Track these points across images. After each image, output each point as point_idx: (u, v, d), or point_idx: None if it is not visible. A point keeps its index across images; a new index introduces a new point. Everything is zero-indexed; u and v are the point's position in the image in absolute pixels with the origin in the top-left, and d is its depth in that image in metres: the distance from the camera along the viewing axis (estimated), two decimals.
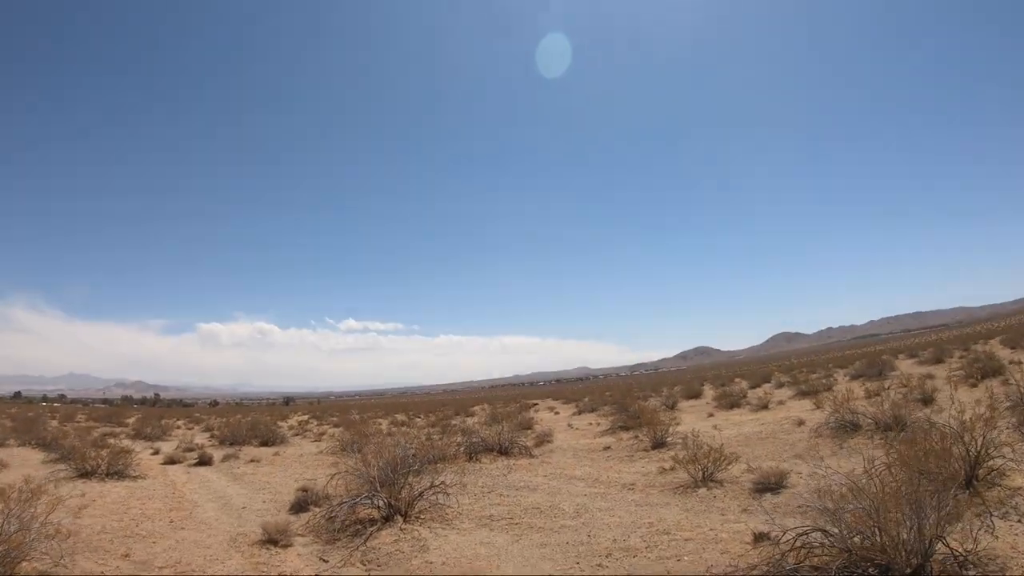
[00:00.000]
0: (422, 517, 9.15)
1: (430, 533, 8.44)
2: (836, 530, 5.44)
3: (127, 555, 7.97)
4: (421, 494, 9.41)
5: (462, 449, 16.42)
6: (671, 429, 16.48)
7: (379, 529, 8.60)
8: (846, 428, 14.05)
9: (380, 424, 35.82)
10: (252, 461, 18.86)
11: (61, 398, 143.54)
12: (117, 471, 14.93)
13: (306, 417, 48.91)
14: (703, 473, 10.42)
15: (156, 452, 21.22)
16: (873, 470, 7.56)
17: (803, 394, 26.09)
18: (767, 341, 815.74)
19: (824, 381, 29.50)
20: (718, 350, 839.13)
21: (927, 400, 16.78)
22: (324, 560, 7.64)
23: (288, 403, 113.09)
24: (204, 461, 18.57)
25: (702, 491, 9.95)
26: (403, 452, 10.30)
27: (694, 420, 21.75)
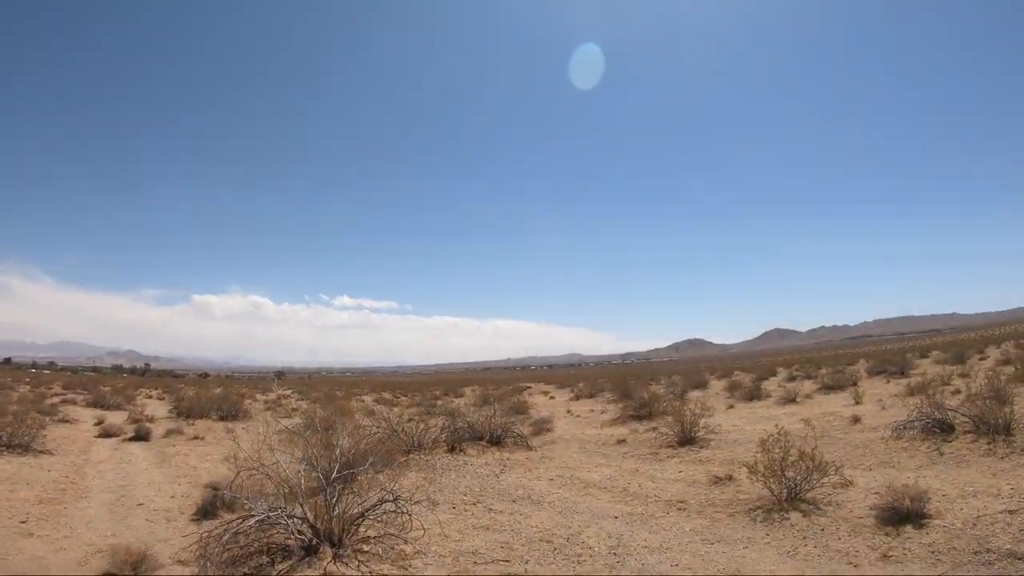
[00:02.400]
0: (364, 550, 5.68)
1: None
2: None
3: None
4: (364, 514, 5.89)
5: (443, 436, 13.02)
6: (701, 422, 13.25)
7: (293, 568, 5.24)
8: (933, 428, 11.06)
9: (364, 401, 32.68)
10: (195, 438, 16.03)
11: (51, 365, 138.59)
12: (21, 444, 12.15)
13: (288, 391, 45.55)
14: (788, 489, 7.03)
15: (100, 422, 18.23)
16: None
17: (828, 388, 24.31)
18: (760, 336, 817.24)
19: (841, 376, 26.76)
20: (711, 343, 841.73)
21: (1001, 398, 13.66)
22: None
23: (280, 377, 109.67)
24: (141, 436, 16.14)
25: (795, 517, 6.55)
26: (348, 444, 6.68)
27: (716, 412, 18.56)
